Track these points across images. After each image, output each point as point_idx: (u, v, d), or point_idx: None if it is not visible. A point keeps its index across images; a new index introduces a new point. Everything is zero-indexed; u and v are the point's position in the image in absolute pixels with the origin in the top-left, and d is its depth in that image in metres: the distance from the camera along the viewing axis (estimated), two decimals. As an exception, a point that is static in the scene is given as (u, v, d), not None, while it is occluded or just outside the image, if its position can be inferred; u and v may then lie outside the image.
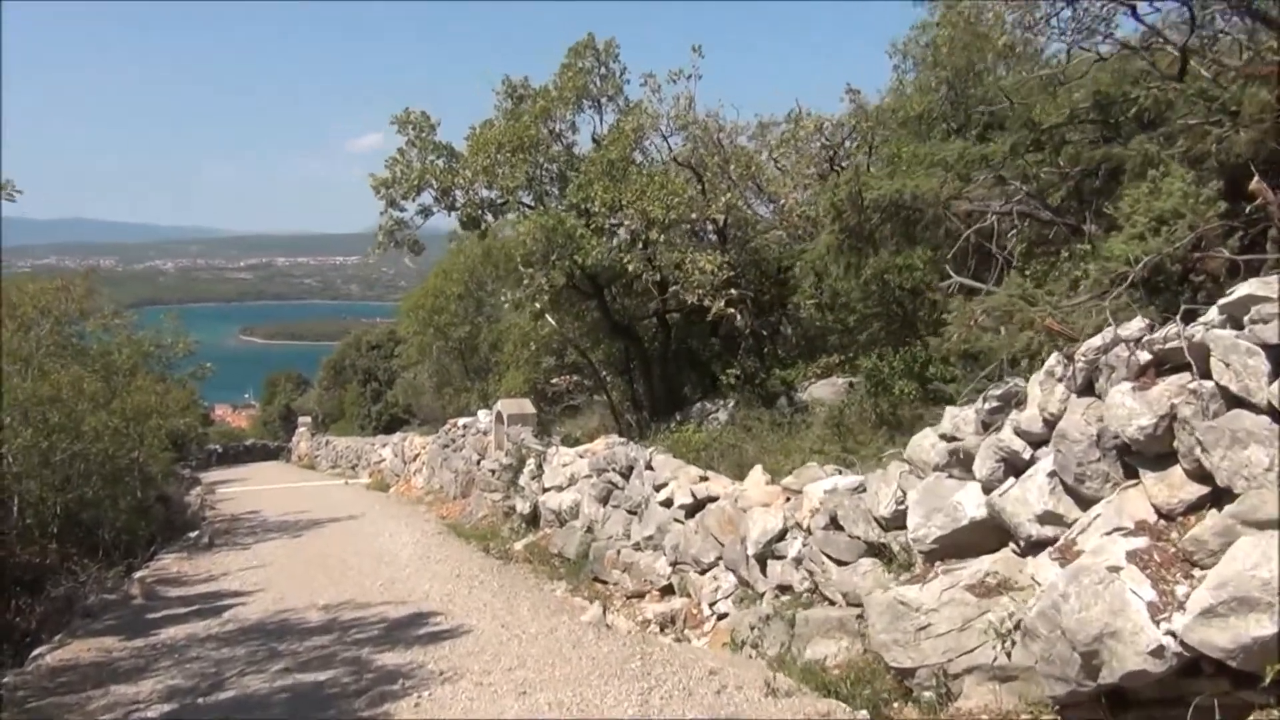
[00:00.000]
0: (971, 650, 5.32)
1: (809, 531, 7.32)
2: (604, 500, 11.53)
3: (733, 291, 12.46)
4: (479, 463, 17.93)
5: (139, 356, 16.62)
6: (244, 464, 42.02)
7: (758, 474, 8.50)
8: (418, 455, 23.85)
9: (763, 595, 7.79)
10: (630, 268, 12.94)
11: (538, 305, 13.90)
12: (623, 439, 12.13)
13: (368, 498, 22.37)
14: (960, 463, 5.98)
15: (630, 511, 10.75)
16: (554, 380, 19.57)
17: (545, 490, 13.40)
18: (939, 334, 10.41)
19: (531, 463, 14.02)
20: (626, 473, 11.11)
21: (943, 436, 6.22)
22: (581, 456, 12.80)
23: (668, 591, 9.46)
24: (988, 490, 5.65)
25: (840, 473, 7.86)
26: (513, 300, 13.94)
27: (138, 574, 12.73)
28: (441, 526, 15.64)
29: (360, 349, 42.55)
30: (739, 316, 12.48)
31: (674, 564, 9.32)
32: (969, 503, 5.77)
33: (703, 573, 8.79)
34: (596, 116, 14.77)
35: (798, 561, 7.40)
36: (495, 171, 13.40)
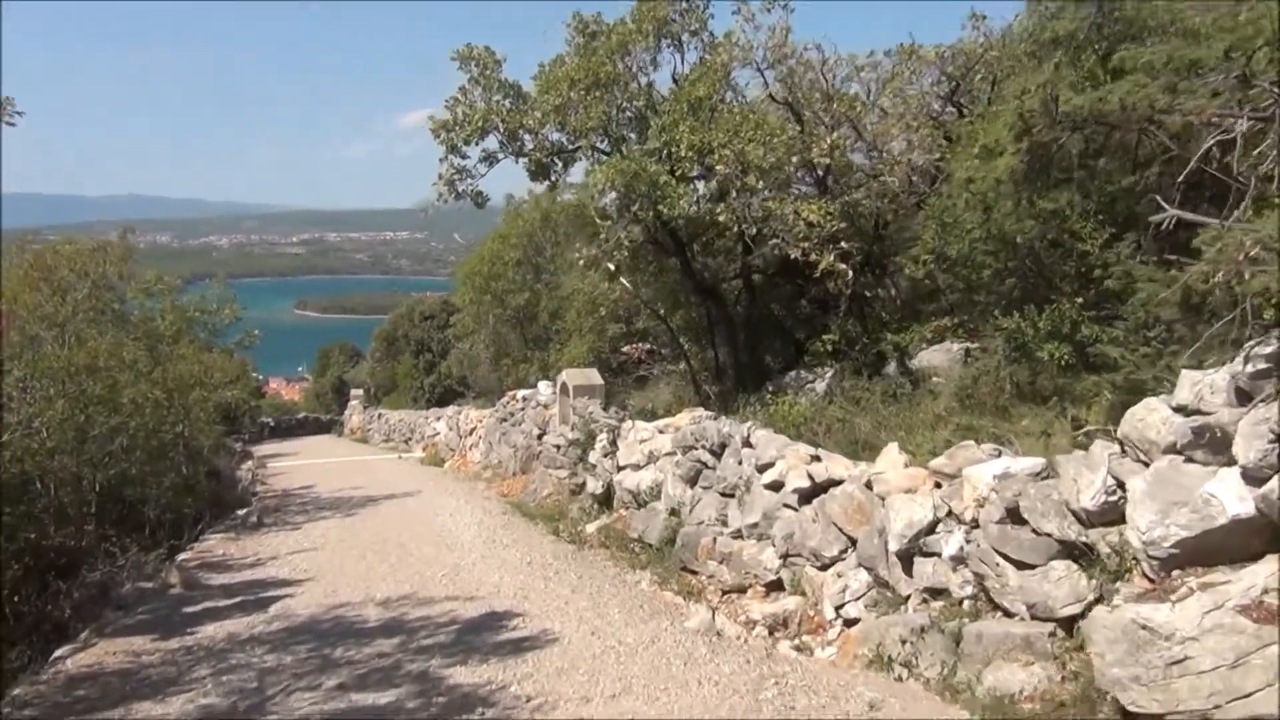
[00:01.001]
0: (1249, 695, 3.97)
1: (974, 525, 5.96)
2: (691, 481, 10.23)
3: (843, 245, 11.01)
4: (540, 437, 16.82)
5: (183, 323, 15.59)
6: (296, 437, 41.42)
7: (894, 454, 7.12)
8: (474, 429, 22.84)
9: (907, 599, 6.46)
10: (721, 219, 11.53)
11: (612, 265, 12.56)
12: (711, 413, 10.81)
13: (422, 473, 21.36)
14: (1209, 443, 4.57)
15: (724, 494, 9.44)
16: (624, 348, 18.27)
17: (620, 468, 12.14)
18: (1085, 290, 8.97)
19: (603, 438, 12.76)
20: (718, 450, 9.79)
21: (1179, 409, 4.79)
22: (662, 432, 11.51)
23: (775, 588, 8.15)
24: (1256, 480, 4.26)
25: (1000, 453, 6.46)
26: (586, 258, 12.57)
27: (181, 556, 11.77)
28: (504, 505, 14.50)
29: (413, 320, 41.60)
30: (849, 272, 11.03)
31: (784, 556, 7.99)
32: (1227, 495, 4.38)
33: (823, 568, 7.45)
34: (677, 55, 13.30)
35: (957, 561, 6.04)
36: (567, 112, 12.01)
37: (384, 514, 14.34)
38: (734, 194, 11.49)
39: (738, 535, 8.80)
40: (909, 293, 13.09)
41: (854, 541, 7.19)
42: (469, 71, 12.87)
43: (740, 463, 9.28)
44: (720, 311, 14.05)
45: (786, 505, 8.07)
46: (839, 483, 7.56)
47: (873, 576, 6.78)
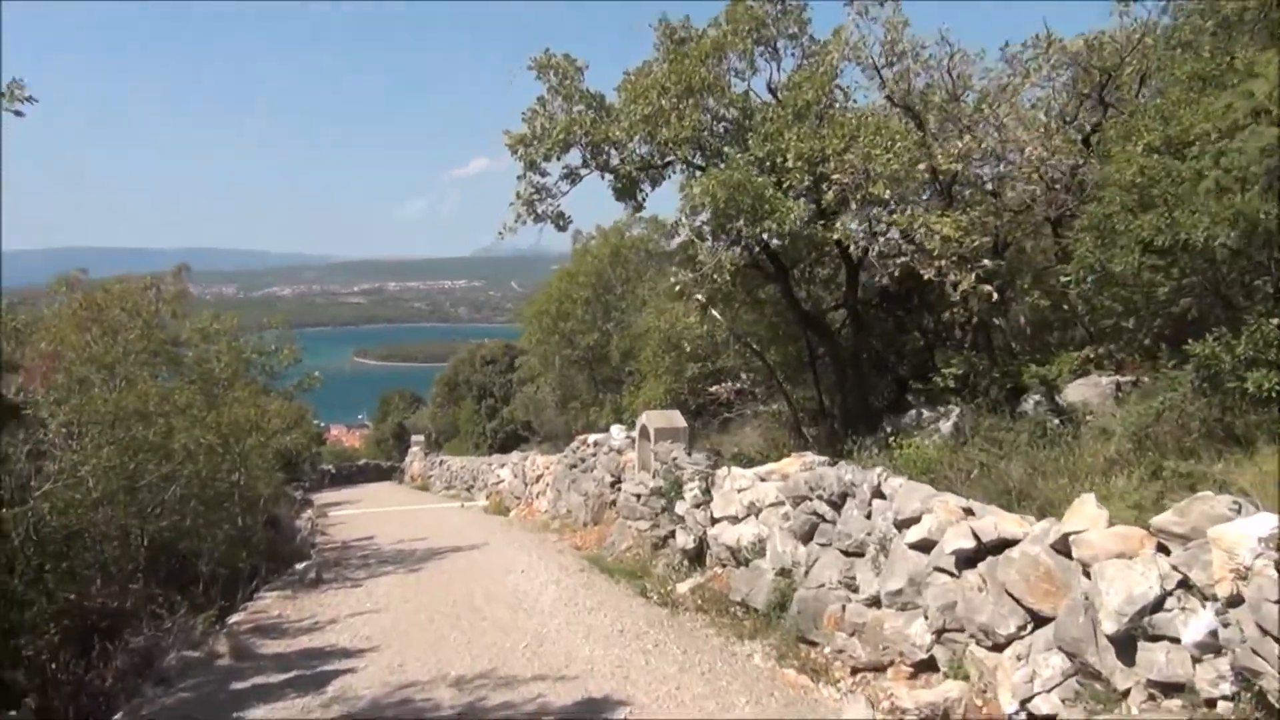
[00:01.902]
0: None
1: (1231, 602, 4.58)
2: (805, 537, 8.89)
3: (986, 263, 9.65)
4: (614, 485, 15.69)
5: (239, 365, 14.70)
6: (357, 484, 40.70)
7: (1091, 508, 5.73)
8: (540, 476, 21.72)
9: (1126, 695, 5.06)
10: (836, 236, 10.25)
11: (702, 296, 11.30)
12: (824, 458, 9.48)
13: (488, 523, 20.22)
14: None
15: (849, 553, 8.09)
16: (712, 388, 16.99)
17: (715, 521, 10.84)
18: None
19: (694, 487, 11.48)
20: (838, 501, 8.46)
21: None
22: (764, 479, 10.21)
23: (925, 668, 6.80)
24: None
25: (1240, 507, 5.07)
26: (683, 282, 11.33)
27: (233, 618, 10.72)
28: (580, 560, 13.29)
29: (475, 364, 40.83)
30: (993, 295, 9.65)
31: (940, 632, 6.62)
32: None
33: (996, 648, 6.07)
34: (773, 63, 12.13)
35: (1205, 649, 4.65)
36: (657, 122, 10.86)
37: (450, 569, 13.19)
38: (854, 206, 10.20)
39: (873, 603, 7.45)
40: (1033, 321, 11.69)
41: (1037, 616, 5.82)
42: (547, 81, 11.80)
43: (869, 516, 7.95)
44: (826, 345, 12.69)
45: (940, 570, 6.71)
46: (1012, 543, 6.19)
47: (1075, 663, 5.39)
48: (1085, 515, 5.72)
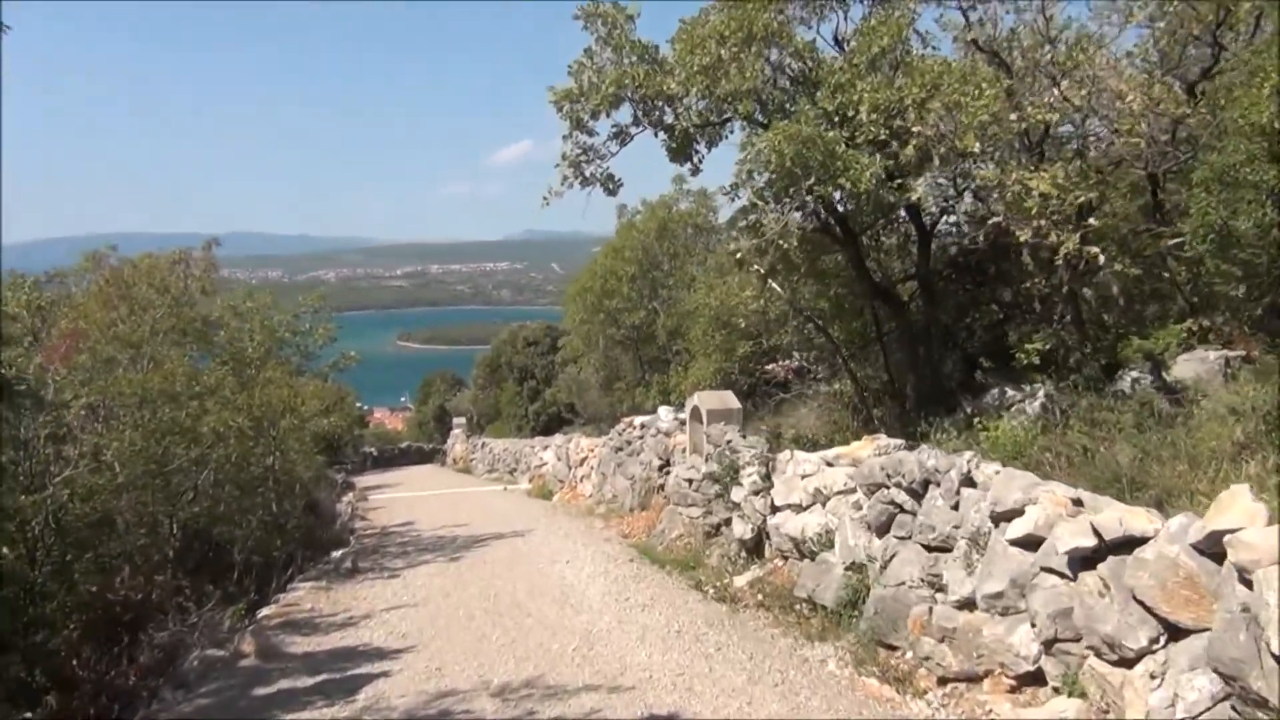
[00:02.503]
0: None
1: None
2: (881, 529, 8.05)
3: (1092, 221, 8.67)
4: (662, 469, 15.01)
5: (272, 343, 14.08)
6: (399, 467, 40.49)
7: (1246, 501, 4.82)
8: (585, 459, 21.08)
9: (1300, 727, 4.19)
10: (914, 197, 9.33)
11: (760, 267, 10.43)
12: (901, 441, 8.63)
13: (531, 507, 19.61)
14: None
15: (933, 548, 7.23)
16: (768, 366, 16.10)
17: (776, 509, 10.03)
18: None
19: (752, 472, 10.68)
20: (919, 489, 7.60)
21: None
22: (831, 465, 9.38)
23: (1031, 681, 5.95)
24: None
25: None
26: (744, 250, 10.44)
27: (263, 611, 10.15)
28: (628, 549, 12.58)
29: (516, 345, 40.27)
30: (1100, 257, 8.67)
31: (1050, 642, 5.76)
32: None
33: (1124, 664, 5.20)
34: (839, 11, 11.15)
35: None
36: (716, 74, 9.97)
37: (492, 558, 12.53)
38: (937, 162, 9.25)
39: (965, 605, 6.59)
40: (1123, 291, 10.67)
41: (1173, 628, 4.96)
42: (595, 31, 10.89)
43: (956, 507, 7.09)
44: (898, 319, 11.73)
45: (1050, 570, 5.84)
46: (1140, 541, 5.30)
47: (1234, 686, 4.52)
48: (1239, 510, 4.81)
